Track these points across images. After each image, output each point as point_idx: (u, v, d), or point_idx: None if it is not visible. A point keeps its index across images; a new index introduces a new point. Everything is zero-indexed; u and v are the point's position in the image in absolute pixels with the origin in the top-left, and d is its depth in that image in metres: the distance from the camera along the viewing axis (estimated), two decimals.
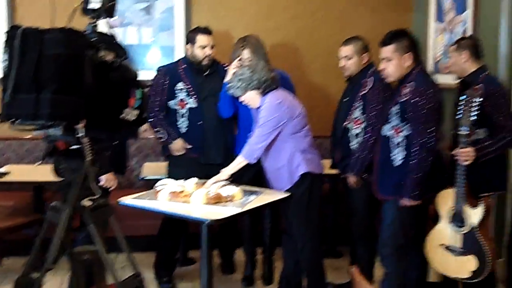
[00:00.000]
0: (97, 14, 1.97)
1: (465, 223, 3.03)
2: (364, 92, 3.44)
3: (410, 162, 2.93)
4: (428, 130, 2.89)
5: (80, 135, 1.81)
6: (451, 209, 3.07)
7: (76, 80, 1.75)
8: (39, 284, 1.97)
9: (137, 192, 3.26)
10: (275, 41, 4.73)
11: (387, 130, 3.06)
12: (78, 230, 2.00)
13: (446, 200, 3.09)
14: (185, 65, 3.79)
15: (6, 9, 4.47)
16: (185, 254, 4.23)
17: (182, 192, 3.09)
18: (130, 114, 1.93)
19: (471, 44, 3.31)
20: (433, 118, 2.92)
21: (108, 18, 2.02)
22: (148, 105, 3.55)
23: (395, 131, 3.01)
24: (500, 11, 3.77)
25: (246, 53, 3.54)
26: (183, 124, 3.76)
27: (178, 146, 3.74)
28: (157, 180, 3.31)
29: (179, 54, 4.65)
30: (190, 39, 3.79)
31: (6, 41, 1.79)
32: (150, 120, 3.68)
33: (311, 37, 4.86)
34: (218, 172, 3.28)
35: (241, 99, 3.30)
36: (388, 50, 2.99)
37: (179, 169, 3.69)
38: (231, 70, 3.55)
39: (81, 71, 1.76)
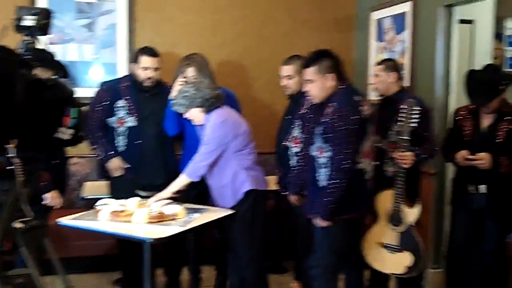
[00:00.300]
0: (30, 31, 1.93)
1: (402, 222, 3.28)
2: (302, 111, 3.48)
3: (326, 182, 2.96)
4: (344, 152, 2.89)
5: (11, 155, 1.76)
6: (390, 209, 3.30)
7: (6, 99, 1.70)
8: None
9: (78, 212, 3.19)
10: (220, 58, 4.76)
11: (312, 150, 3.07)
12: (10, 253, 1.92)
13: (385, 201, 3.33)
14: (129, 83, 3.74)
15: None
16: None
17: (123, 211, 3.04)
18: (65, 133, 1.89)
19: (398, 67, 3.60)
20: (351, 140, 2.90)
21: (43, 36, 1.98)
22: (87, 122, 3.57)
23: (319, 152, 3.02)
24: (436, 31, 3.95)
25: (190, 71, 3.53)
26: (120, 142, 3.69)
27: (114, 165, 3.67)
28: (98, 199, 3.25)
29: (121, 71, 4.61)
30: (134, 58, 3.76)
31: None
32: (88, 136, 3.60)
33: (257, 54, 4.92)
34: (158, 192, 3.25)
35: (185, 115, 3.29)
36: (309, 72, 2.99)
37: (118, 191, 3.61)
38: (176, 87, 3.54)
39: (11, 90, 1.71)
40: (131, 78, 3.77)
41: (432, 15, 4.00)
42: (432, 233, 4.03)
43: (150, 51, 3.71)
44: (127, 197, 3.24)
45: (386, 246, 3.34)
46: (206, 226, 3.23)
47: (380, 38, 4.72)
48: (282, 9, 5.01)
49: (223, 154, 3.23)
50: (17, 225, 1.90)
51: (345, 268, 3.30)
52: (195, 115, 3.25)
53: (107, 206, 3.09)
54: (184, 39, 4.73)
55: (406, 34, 4.31)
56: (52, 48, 4.31)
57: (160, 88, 3.75)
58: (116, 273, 4.14)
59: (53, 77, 1.96)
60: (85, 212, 3.17)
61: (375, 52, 4.81)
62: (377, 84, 3.57)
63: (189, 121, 3.46)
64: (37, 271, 1.92)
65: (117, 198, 3.23)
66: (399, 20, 4.42)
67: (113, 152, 3.67)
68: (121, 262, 3.80)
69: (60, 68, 2.99)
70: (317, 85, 2.98)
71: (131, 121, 3.68)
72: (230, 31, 4.90)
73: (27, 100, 1.77)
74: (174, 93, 3.50)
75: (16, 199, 1.86)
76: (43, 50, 3.00)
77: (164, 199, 3.19)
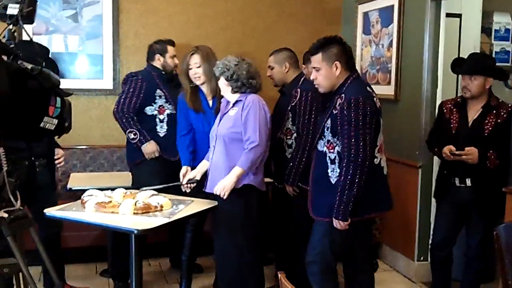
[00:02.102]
0: (15, 19, 1.90)
1: None
2: (293, 103, 3.53)
3: (339, 180, 2.76)
4: (357, 145, 2.68)
5: None
6: None
7: None
8: None
9: (64, 203, 3.18)
10: None
11: (321, 145, 2.89)
12: None
13: None
14: (156, 73, 3.92)
15: None
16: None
17: (110, 202, 3.03)
18: (50, 123, 1.88)
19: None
20: (364, 133, 2.69)
21: (27, 24, 1.96)
22: (121, 108, 3.77)
23: (329, 147, 2.84)
24: (423, 25, 3.97)
25: (195, 58, 3.53)
26: (161, 129, 3.86)
27: (151, 147, 3.81)
28: (84, 190, 3.24)
29: (107, 62, 4.60)
30: (160, 50, 3.95)
31: None
32: (123, 121, 3.78)
33: (242, 47, 4.91)
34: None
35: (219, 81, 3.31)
36: (315, 59, 2.86)
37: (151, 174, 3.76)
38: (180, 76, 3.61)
39: None
40: (156, 70, 3.93)
41: (419, 8, 4.02)
42: (418, 225, 4.08)
43: (172, 41, 4.04)
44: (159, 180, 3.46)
45: None
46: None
47: (366, 31, 4.74)
48: (267, 2, 5.02)
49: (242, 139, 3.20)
50: (3, 214, 1.89)
51: (357, 272, 3.12)
52: (220, 84, 3.29)
53: (93, 197, 3.08)
54: (169, 31, 4.70)
55: (393, 28, 4.33)
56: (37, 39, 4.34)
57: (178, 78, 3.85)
58: (104, 264, 4.16)
59: (37, 66, 1.92)
60: (72, 203, 3.16)
61: (362, 45, 4.83)
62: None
63: (197, 115, 3.53)
64: (23, 261, 1.91)
65: (149, 184, 3.34)
66: (386, 13, 4.44)
67: (148, 136, 3.81)
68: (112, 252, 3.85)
69: (45, 58, 3.00)
70: (323, 74, 2.84)
71: (169, 109, 3.85)
72: (214, 23, 4.91)
73: (11, 89, 1.75)
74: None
75: (1, 188, 1.84)
76: (32, 44, 3.04)
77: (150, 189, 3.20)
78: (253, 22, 4.98)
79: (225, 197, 3.15)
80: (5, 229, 1.89)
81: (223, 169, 3.22)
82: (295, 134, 3.53)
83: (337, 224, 2.78)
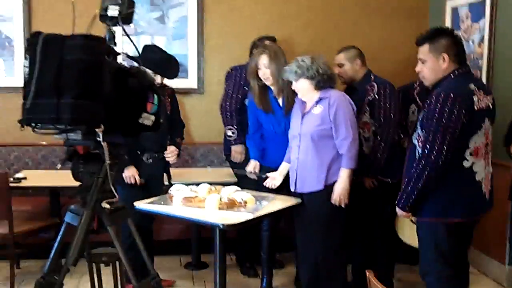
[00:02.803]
0: (115, 21, 2.00)
1: None
2: (370, 98, 3.55)
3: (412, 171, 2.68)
4: (433, 141, 2.57)
5: (99, 139, 1.85)
6: None
7: (96, 86, 1.78)
8: (60, 285, 2.00)
9: None
10: (288, 47, 4.73)
11: (414, 139, 2.79)
12: (96, 233, 2.02)
13: None
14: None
15: (23, 16, 4.54)
16: (198, 258, 4.27)
17: (196, 197, 3.12)
18: (148, 119, 1.96)
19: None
20: (444, 129, 2.54)
21: (126, 25, 2.05)
22: (224, 103, 3.91)
23: (419, 140, 2.73)
24: None
25: (264, 58, 3.52)
26: None
27: (239, 149, 3.95)
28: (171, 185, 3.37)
29: (192, 62, 4.73)
30: (258, 45, 3.99)
31: (28, 47, 1.83)
32: (224, 117, 3.92)
33: (325, 43, 4.86)
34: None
35: (293, 85, 3.29)
36: (422, 51, 2.73)
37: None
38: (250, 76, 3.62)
39: (100, 77, 1.80)
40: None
41: None
42: (510, 228, 3.89)
43: (272, 37, 4.20)
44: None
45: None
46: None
47: (456, 26, 4.57)
48: None
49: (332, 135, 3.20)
50: (105, 205, 1.99)
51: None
52: (303, 86, 3.24)
53: (180, 191, 3.18)
54: (252, 29, 4.75)
55: (485, 23, 4.15)
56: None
57: None
58: (187, 257, 4.28)
59: (136, 65, 2.01)
60: (160, 196, 3.28)
61: None
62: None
63: (266, 115, 3.55)
64: (123, 250, 2.01)
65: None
66: (476, 8, 4.26)
67: (242, 138, 3.93)
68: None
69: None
70: (429, 66, 2.71)
71: None
72: (297, 21, 4.89)
73: (113, 87, 1.85)
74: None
75: (103, 181, 1.95)
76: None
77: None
78: (336, 18, 4.93)
79: (345, 203, 3.20)
80: (106, 219, 2.00)
81: (314, 166, 3.22)
82: (373, 128, 3.54)
83: (398, 211, 2.78)
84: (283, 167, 3.45)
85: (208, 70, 4.79)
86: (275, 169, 3.49)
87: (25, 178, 3.99)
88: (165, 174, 3.73)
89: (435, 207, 2.67)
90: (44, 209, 4.16)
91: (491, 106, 2.71)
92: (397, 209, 2.78)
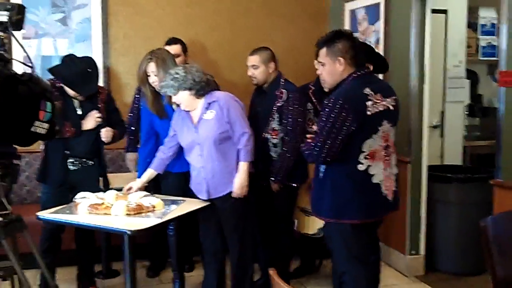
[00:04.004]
0: (4, 27, 1.93)
1: None
2: (279, 104, 3.59)
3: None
4: (321, 143, 2.64)
5: None
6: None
7: None
8: None
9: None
10: (194, 50, 4.77)
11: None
12: None
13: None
14: None
15: None
16: (108, 266, 4.18)
17: (102, 204, 3.06)
18: (41, 127, 1.91)
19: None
20: (332, 136, 2.61)
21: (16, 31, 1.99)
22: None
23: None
24: (409, 21, 4.02)
25: (152, 67, 3.46)
26: None
27: (132, 157, 4.08)
28: None
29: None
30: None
31: None
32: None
33: (231, 47, 4.95)
34: None
35: (173, 99, 3.26)
36: (320, 54, 2.76)
37: None
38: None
39: None
40: None
41: (405, 5, 4.06)
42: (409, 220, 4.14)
43: (169, 40, 4.27)
44: None
45: (303, 210, 3.81)
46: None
47: (354, 28, 4.78)
48: (256, 2, 5.05)
49: (231, 136, 3.26)
50: None
51: None
52: (183, 98, 3.22)
53: (86, 199, 3.10)
54: (158, 32, 4.73)
55: (380, 24, 4.38)
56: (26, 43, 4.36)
57: None
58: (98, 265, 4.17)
59: (27, 71, 1.95)
60: (65, 205, 3.18)
61: None
62: None
63: (162, 121, 3.53)
64: (18, 263, 1.94)
65: None
66: (372, 10, 4.48)
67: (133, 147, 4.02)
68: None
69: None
70: (327, 69, 2.73)
71: None
72: (204, 23, 4.93)
73: (2, 96, 1.78)
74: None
75: None
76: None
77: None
78: (241, 21, 5.00)
79: (245, 194, 3.28)
80: (0, 232, 1.92)
81: (223, 169, 3.27)
82: (281, 134, 3.59)
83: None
84: (149, 174, 3.42)
85: (113, 73, 4.71)
86: (175, 173, 3.55)
87: None
88: (101, 180, 3.66)
89: (332, 208, 2.75)
90: None
91: (391, 107, 2.74)
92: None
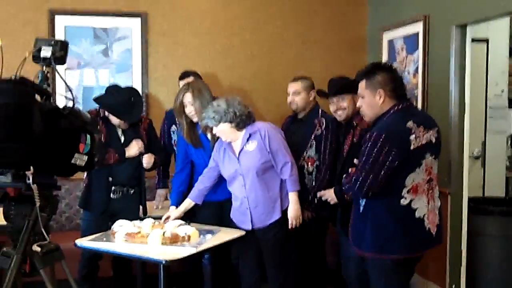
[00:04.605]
0: (48, 62, 2.01)
1: None
2: (318, 132, 3.63)
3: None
4: (364, 178, 2.60)
5: (29, 181, 1.83)
6: None
7: (24, 128, 1.77)
8: None
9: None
10: (232, 80, 4.85)
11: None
12: (28, 276, 1.98)
13: None
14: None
15: None
16: None
17: (138, 232, 3.10)
18: (80, 159, 1.96)
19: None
20: (371, 167, 2.58)
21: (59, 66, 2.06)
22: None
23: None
24: (449, 51, 3.95)
25: (188, 97, 3.51)
26: None
27: (163, 193, 4.18)
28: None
29: None
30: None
31: None
32: None
33: (268, 76, 4.99)
34: None
35: (214, 130, 3.31)
36: (360, 86, 2.75)
37: None
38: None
39: (29, 120, 1.79)
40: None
41: (445, 34, 4.00)
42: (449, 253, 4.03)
43: (182, 74, 4.25)
44: None
45: None
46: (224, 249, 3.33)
47: (392, 58, 4.76)
48: (293, 32, 5.08)
49: (273, 165, 3.29)
50: (36, 248, 1.96)
51: None
52: (224, 130, 3.26)
53: (123, 227, 3.15)
54: (196, 61, 4.81)
55: (419, 54, 4.34)
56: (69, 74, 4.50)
57: None
58: None
59: (69, 104, 2.01)
60: (102, 233, 3.24)
61: None
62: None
63: (196, 150, 3.56)
64: None
65: None
66: (411, 40, 4.45)
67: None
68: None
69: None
70: (367, 102, 2.71)
71: None
72: (241, 54, 4.99)
73: (44, 129, 1.84)
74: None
75: (34, 223, 1.92)
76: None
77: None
78: (279, 51, 5.05)
79: (300, 223, 3.32)
80: (38, 262, 1.97)
81: (267, 199, 3.30)
82: (317, 162, 3.62)
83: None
84: (187, 205, 3.44)
85: (153, 102, 4.80)
86: (211, 202, 3.57)
87: None
88: (141, 208, 3.73)
89: (373, 243, 2.70)
90: None
91: (434, 140, 2.70)
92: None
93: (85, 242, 3.11)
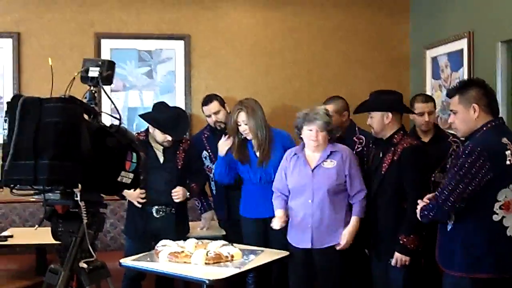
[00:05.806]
0: (95, 81, 2.05)
1: None
2: (358, 149, 3.64)
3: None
4: (451, 191, 2.55)
5: (77, 198, 1.86)
6: None
7: (73, 146, 1.81)
8: None
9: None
10: (273, 100, 4.85)
11: None
12: None
13: None
14: (208, 133, 4.14)
15: (12, 73, 4.63)
16: None
17: (182, 252, 3.10)
18: (127, 177, 1.98)
19: None
20: (460, 180, 2.52)
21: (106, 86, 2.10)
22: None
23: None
24: (495, 67, 3.87)
25: (242, 116, 3.59)
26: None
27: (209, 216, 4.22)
28: None
29: None
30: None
31: (7, 110, 1.87)
32: None
33: (309, 96, 4.96)
34: None
35: (318, 135, 3.27)
36: (453, 102, 2.72)
37: None
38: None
39: (78, 138, 1.83)
40: (209, 128, 4.27)
41: (490, 51, 3.93)
42: None
43: (205, 100, 4.20)
44: None
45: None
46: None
47: (436, 76, 4.68)
48: (334, 51, 5.08)
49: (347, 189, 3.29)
50: (83, 265, 1.98)
51: None
52: (324, 137, 3.29)
53: (167, 247, 3.16)
54: (238, 82, 4.87)
55: (463, 71, 4.26)
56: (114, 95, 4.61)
57: None
58: None
59: (115, 123, 2.05)
60: (146, 253, 3.26)
61: (431, 90, 4.76)
62: None
63: (243, 166, 3.59)
64: None
65: None
66: (455, 56, 4.37)
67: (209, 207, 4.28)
68: None
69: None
70: (460, 117, 2.68)
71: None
72: (282, 74, 5.01)
73: (92, 147, 1.88)
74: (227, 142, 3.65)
75: (82, 240, 1.95)
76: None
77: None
78: (320, 70, 5.04)
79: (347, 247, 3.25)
80: (85, 279, 1.99)
81: (333, 221, 3.26)
82: None
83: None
84: (282, 214, 3.40)
85: (196, 123, 4.85)
86: (255, 219, 3.59)
87: (11, 236, 3.95)
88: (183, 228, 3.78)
89: (464, 262, 2.60)
90: (31, 268, 4.10)
91: None
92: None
93: (129, 261, 3.14)
